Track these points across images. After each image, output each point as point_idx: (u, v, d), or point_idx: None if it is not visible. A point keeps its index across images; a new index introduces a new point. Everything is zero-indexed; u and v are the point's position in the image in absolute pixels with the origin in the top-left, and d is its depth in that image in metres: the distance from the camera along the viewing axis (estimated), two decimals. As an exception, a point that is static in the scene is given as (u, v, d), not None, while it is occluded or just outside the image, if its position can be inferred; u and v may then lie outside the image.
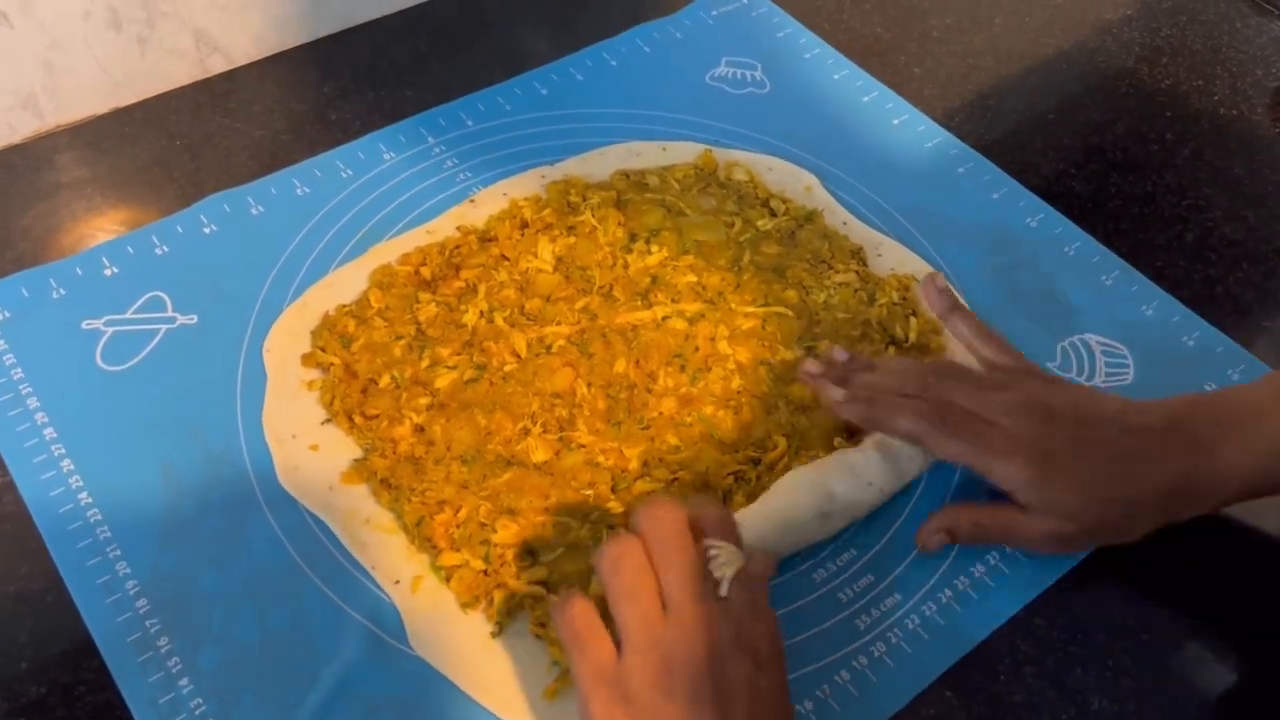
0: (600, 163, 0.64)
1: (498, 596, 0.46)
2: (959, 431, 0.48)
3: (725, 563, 0.41)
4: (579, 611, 0.41)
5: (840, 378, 0.51)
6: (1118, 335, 0.59)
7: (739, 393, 0.53)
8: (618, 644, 0.40)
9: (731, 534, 0.43)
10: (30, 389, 0.52)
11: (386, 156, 0.64)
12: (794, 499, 0.48)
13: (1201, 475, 0.47)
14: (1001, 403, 0.48)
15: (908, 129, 0.69)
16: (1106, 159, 0.69)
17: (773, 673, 0.40)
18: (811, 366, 0.52)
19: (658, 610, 0.40)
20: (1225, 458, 0.47)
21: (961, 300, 0.56)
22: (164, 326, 0.55)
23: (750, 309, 0.56)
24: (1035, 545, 0.49)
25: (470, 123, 0.66)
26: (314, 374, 0.53)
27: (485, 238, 0.58)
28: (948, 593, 0.49)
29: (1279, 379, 0.50)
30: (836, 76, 0.72)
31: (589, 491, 0.49)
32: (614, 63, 0.71)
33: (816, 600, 0.48)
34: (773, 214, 0.61)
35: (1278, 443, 0.48)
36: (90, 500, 0.49)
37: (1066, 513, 0.47)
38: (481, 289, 0.56)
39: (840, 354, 0.53)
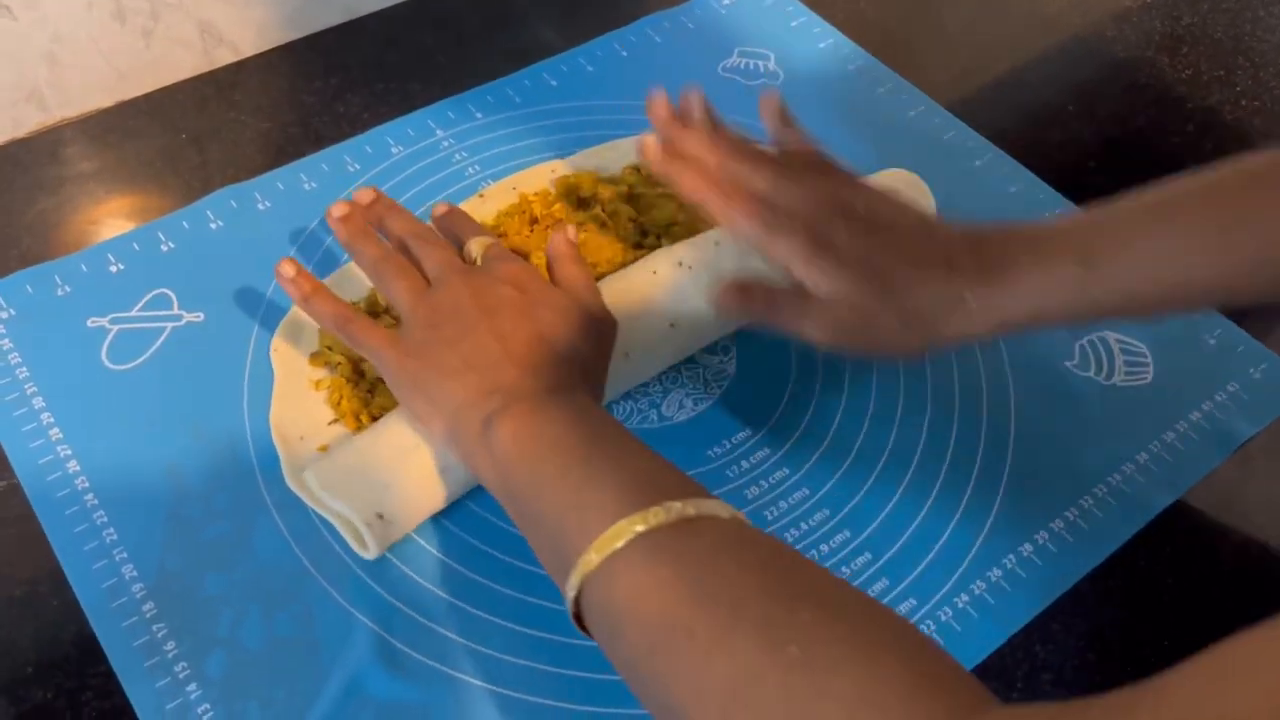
0: (611, 156, 0.63)
1: None
2: (751, 217, 0.47)
3: (475, 245, 0.50)
4: (358, 318, 0.48)
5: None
6: (1137, 333, 0.58)
7: None
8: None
9: (482, 231, 0.52)
10: (35, 388, 0.51)
11: (394, 150, 0.63)
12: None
13: (990, 296, 0.45)
14: (789, 189, 0.48)
15: (923, 120, 0.68)
16: (1126, 151, 0.68)
17: (535, 289, 0.48)
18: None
19: (422, 282, 0.48)
20: (1017, 284, 0.45)
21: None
22: (170, 324, 0.54)
23: None
24: (815, 329, 0.47)
25: (479, 115, 0.65)
26: (322, 373, 0.53)
27: (494, 233, 0.57)
28: (963, 598, 0.48)
29: (1101, 218, 0.47)
30: (851, 67, 0.71)
31: None
32: (624, 53, 0.70)
33: (831, 605, 0.47)
34: None
35: (1077, 286, 0.45)
36: (96, 502, 0.48)
37: (841, 293, 0.45)
38: None
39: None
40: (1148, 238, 0.46)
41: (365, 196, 0.52)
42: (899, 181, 0.60)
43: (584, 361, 0.47)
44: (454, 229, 0.52)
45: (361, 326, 0.48)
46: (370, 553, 0.46)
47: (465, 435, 0.43)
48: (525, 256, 0.56)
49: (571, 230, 0.52)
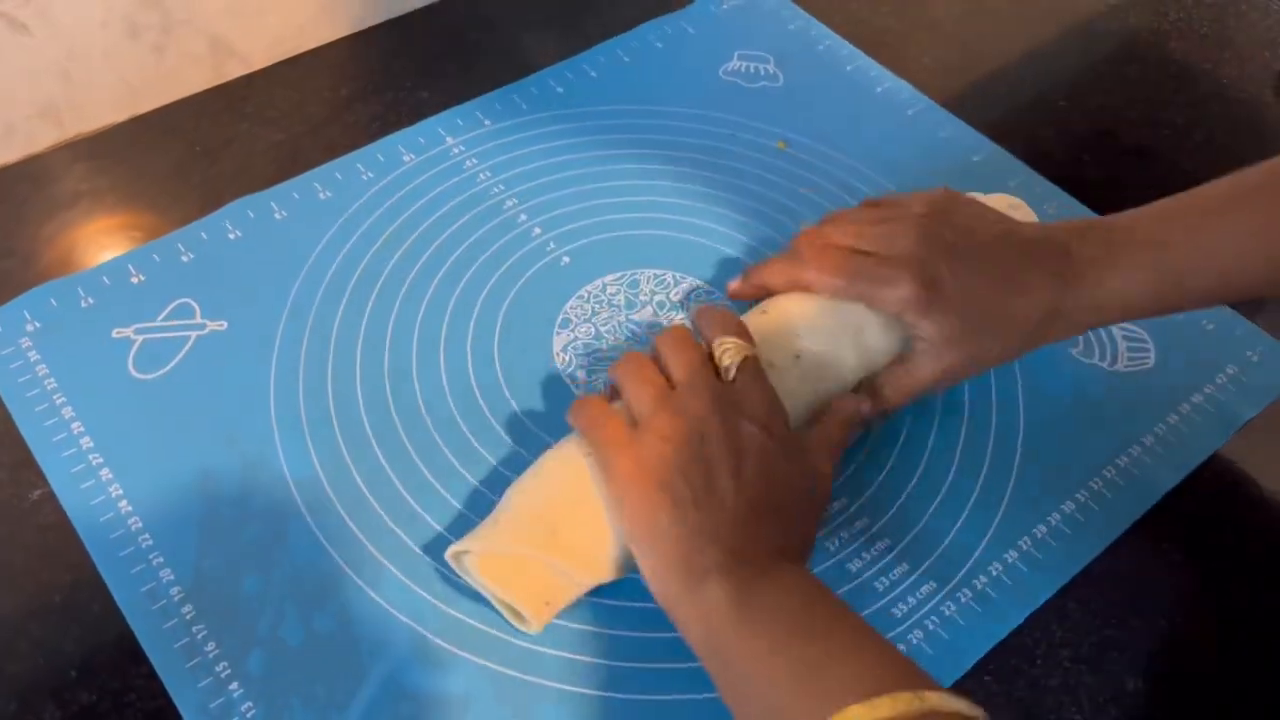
0: None
1: None
2: (839, 269, 0.50)
3: (729, 351, 0.46)
4: (591, 402, 0.46)
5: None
6: (1137, 321, 0.59)
7: None
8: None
9: (736, 328, 0.48)
10: (64, 398, 0.52)
11: (406, 158, 0.64)
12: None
13: (1083, 298, 0.49)
14: (878, 233, 0.50)
15: (922, 119, 0.69)
16: (1119, 144, 0.70)
17: (781, 436, 0.45)
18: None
19: (665, 388, 0.45)
20: (1105, 282, 0.49)
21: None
22: (194, 333, 0.55)
23: None
24: (936, 385, 0.50)
25: (488, 122, 0.67)
26: None
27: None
28: (981, 580, 0.49)
29: (1169, 209, 0.50)
30: (849, 68, 0.72)
31: None
32: (627, 59, 0.72)
33: (853, 590, 0.49)
34: None
35: (1158, 273, 0.49)
36: (130, 509, 0.49)
37: (951, 334, 0.48)
38: None
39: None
40: (1222, 238, 0.48)
41: None
42: (1002, 206, 0.58)
43: (804, 528, 0.45)
44: (706, 325, 0.49)
45: (596, 413, 0.45)
46: (533, 630, 0.45)
47: (674, 580, 0.42)
48: None
49: (867, 406, 0.49)
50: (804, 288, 0.51)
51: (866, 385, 0.51)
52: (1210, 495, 0.53)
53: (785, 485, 0.44)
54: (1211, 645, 0.49)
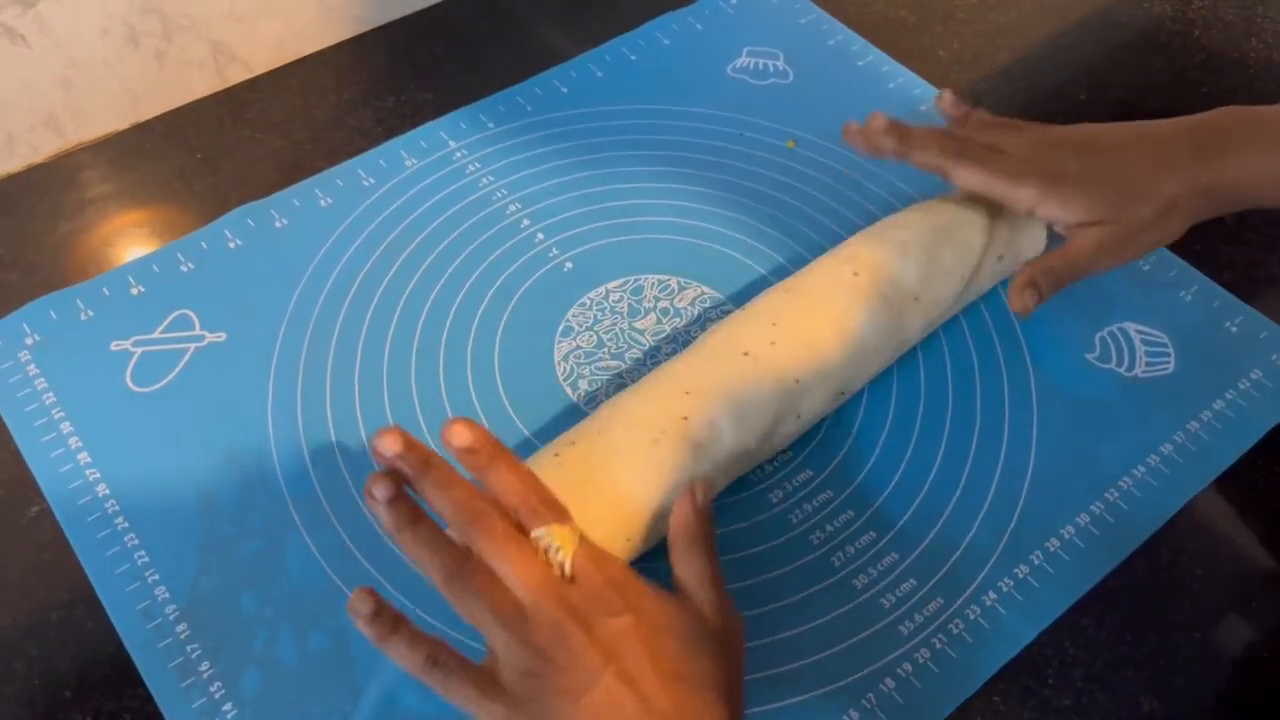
0: None
1: None
2: (974, 160, 0.52)
3: (558, 549, 0.40)
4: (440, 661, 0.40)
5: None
6: (1157, 323, 0.57)
7: None
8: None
9: (550, 508, 0.41)
10: (63, 413, 0.52)
11: (408, 163, 0.63)
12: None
13: (1228, 171, 0.51)
14: (1013, 138, 0.53)
15: (936, 115, 0.68)
16: (1140, 139, 0.68)
17: (653, 613, 0.40)
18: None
19: (513, 608, 0.39)
20: (1247, 162, 0.51)
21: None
22: (193, 345, 0.55)
23: None
24: (1093, 259, 0.51)
25: (491, 125, 0.66)
26: None
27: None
28: (991, 595, 0.48)
29: None
30: (861, 63, 0.71)
31: None
32: (634, 57, 0.70)
33: (858, 607, 0.47)
34: None
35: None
36: (126, 525, 0.49)
37: (1087, 209, 0.51)
38: None
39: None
40: (1270, 146, 0.51)
41: (391, 447, 0.41)
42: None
43: (723, 685, 0.40)
44: (507, 494, 0.42)
45: (455, 679, 0.39)
46: None
47: None
48: None
49: (701, 492, 0.44)
50: (939, 171, 0.53)
51: (1037, 267, 0.52)
52: (1231, 505, 0.52)
53: (681, 659, 0.39)
54: (1230, 663, 0.47)
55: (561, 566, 0.40)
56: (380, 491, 0.40)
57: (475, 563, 0.40)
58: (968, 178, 0.53)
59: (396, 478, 0.41)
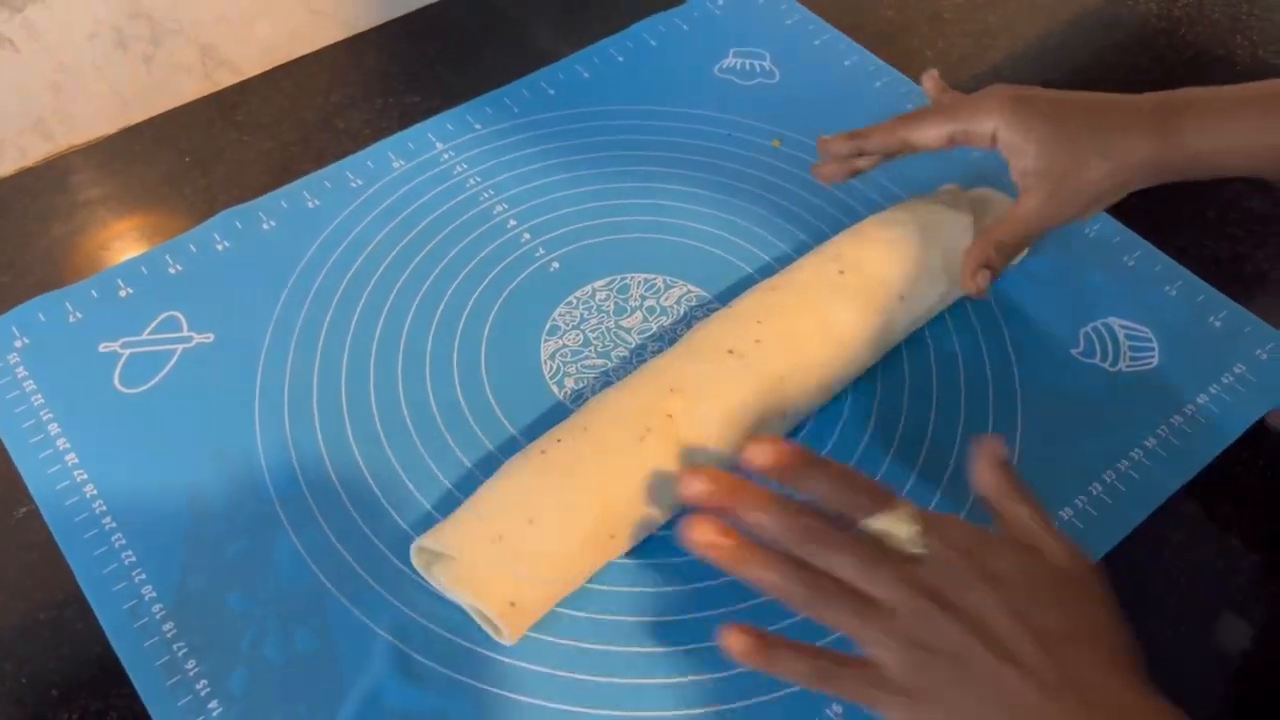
0: None
1: None
2: (932, 113, 0.53)
3: (895, 534, 0.39)
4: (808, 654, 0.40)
5: None
6: (1142, 318, 0.58)
7: None
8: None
9: (869, 493, 0.40)
10: (51, 414, 0.52)
11: (395, 164, 0.64)
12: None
13: (1186, 138, 0.50)
14: (962, 98, 0.54)
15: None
16: (1126, 136, 0.68)
17: (1012, 575, 0.38)
18: None
19: (876, 610, 0.38)
20: (1207, 129, 0.50)
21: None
22: (180, 346, 0.55)
23: None
24: (1039, 218, 0.52)
25: (479, 126, 0.66)
26: None
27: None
28: (976, 589, 0.48)
29: (1269, 87, 0.51)
30: (847, 63, 0.71)
31: None
32: (621, 59, 0.71)
33: (843, 601, 0.47)
34: None
35: (1244, 137, 0.50)
36: (114, 525, 0.49)
37: (1043, 141, 0.50)
38: None
39: None
40: (1228, 119, 0.50)
41: (697, 488, 0.41)
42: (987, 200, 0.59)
43: (1103, 632, 0.39)
44: (827, 498, 0.41)
45: (851, 684, 0.38)
46: (507, 640, 0.45)
47: None
48: None
49: (998, 446, 0.43)
50: (903, 143, 0.54)
51: (983, 242, 0.52)
52: (1215, 498, 0.52)
53: (1060, 617, 0.38)
54: (1214, 656, 0.47)
55: (903, 551, 0.39)
56: (704, 535, 0.40)
57: (823, 575, 0.39)
58: (930, 132, 0.53)
59: (712, 517, 0.40)
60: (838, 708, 0.45)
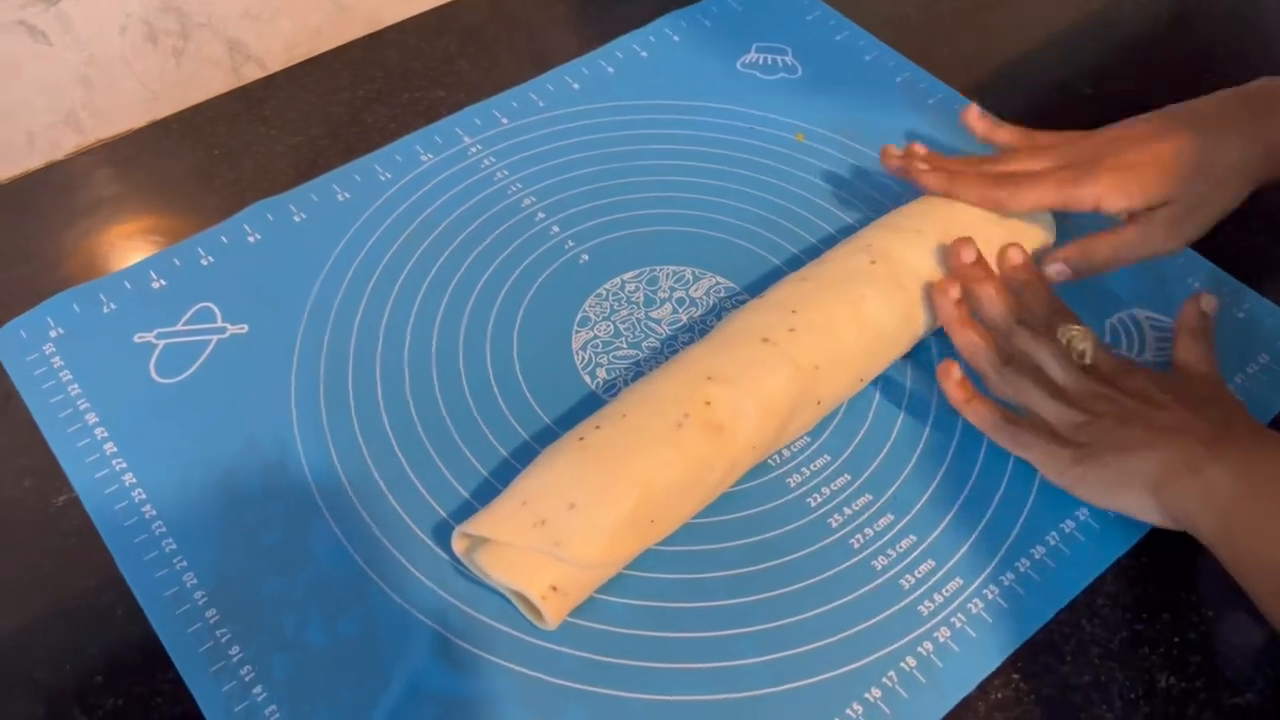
0: None
1: None
2: (1031, 182, 0.55)
3: (1079, 342, 0.50)
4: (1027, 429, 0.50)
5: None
6: (1166, 309, 0.58)
7: None
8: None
9: (1064, 312, 0.53)
10: (88, 404, 0.53)
11: (424, 158, 0.64)
12: None
13: (1273, 135, 0.52)
14: (1057, 151, 0.56)
15: (942, 108, 0.69)
16: (1145, 130, 0.69)
17: (1170, 378, 0.51)
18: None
19: (1055, 388, 0.50)
20: None
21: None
22: (215, 337, 0.55)
23: None
24: (1148, 241, 0.54)
25: (505, 120, 0.66)
26: None
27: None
28: (1009, 575, 0.49)
29: None
30: (868, 58, 0.72)
31: None
32: (644, 54, 0.71)
33: (879, 587, 0.48)
34: None
35: None
36: (154, 513, 0.49)
37: (1148, 194, 0.52)
38: None
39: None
40: None
41: (967, 256, 0.53)
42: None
43: (1241, 413, 0.49)
44: (1033, 303, 0.53)
45: (1028, 434, 0.49)
46: (548, 625, 0.45)
47: (1172, 489, 0.45)
48: None
49: (1211, 300, 0.54)
50: (992, 205, 0.55)
51: (1076, 247, 0.55)
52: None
53: (1186, 400, 0.48)
54: (1245, 640, 0.48)
55: (1083, 355, 0.50)
56: (950, 289, 0.52)
57: (1019, 354, 0.51)
58: (1028, 203, 0.55)
59: (958, 281, 0.53)
60: (876, 690, 0.45)
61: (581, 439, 0.47)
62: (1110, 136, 0.55)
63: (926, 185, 0.57)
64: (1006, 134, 0.60)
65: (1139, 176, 0.52)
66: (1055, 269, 0.54)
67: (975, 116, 0.60)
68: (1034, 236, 0.57)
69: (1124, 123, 0.56)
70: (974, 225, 0.55)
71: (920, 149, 0.60)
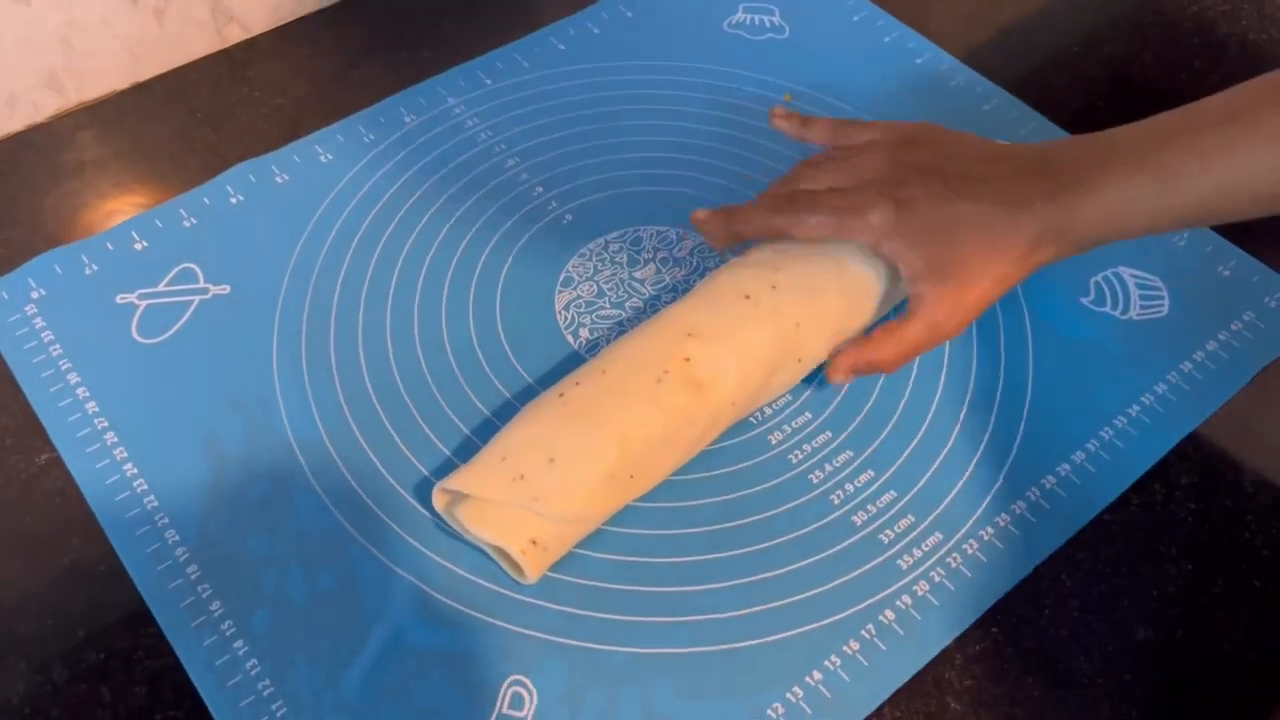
0: None
1: None
2: (811, 207, 0.49)
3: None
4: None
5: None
6: (1151, 268, 0.58)
7: None
8: None
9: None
10: (70, 364, 0.53)
11: (407, 119, 0.64)
12: None
13: (1081, 211, 0.46)
14: (848, 168, 0.50)
15: (931, 68, 0.68)
16: (1134, 90, 0.68)
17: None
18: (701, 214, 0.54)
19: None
20: (1104, 192, 0.46)
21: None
22: (197, 298, 0.55)
23: None
24: (925, 345, 0.49)
25: (490, 81, 0.66)
26: None
27: None
28: (988, 531, 0.49)
29: (1166, 120, 0.48)
30: (856, 18, 0.71)
31: None
32: (630, 14, 0.71)
33: (859, 542, 0.48)
34: None
35: (1157, 181, 0.46)
36: (135, 471, 0.49)
37: (935, 258, 0.47)
38: None
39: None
40: (1222, 149, 0.45)
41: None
42: None
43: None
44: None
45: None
46: (528, 579, 0.45)
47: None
48: None
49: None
50: (776, 233, 0.50)
51: (857, 344, 0.50)
52: (1224, 443, 0.52)
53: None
54: (1224, 593, 0.48)
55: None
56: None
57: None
58: (812, 231, 0.49)
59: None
60: (854, 643, 0.45)
61: (561, 395, 0.47)
62: (900, 160, 0.49)
63: (708, 240, 0.53)
64: (818, 132, 0.54)
65: (926, 244, 0.47)
66: (837, 381, 0.50)
67: (781, 116, 0.55)
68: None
69: (915, 132, 0.51)
70: None
71: (712, 226, 0.53)
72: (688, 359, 0.47)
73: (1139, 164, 0.46)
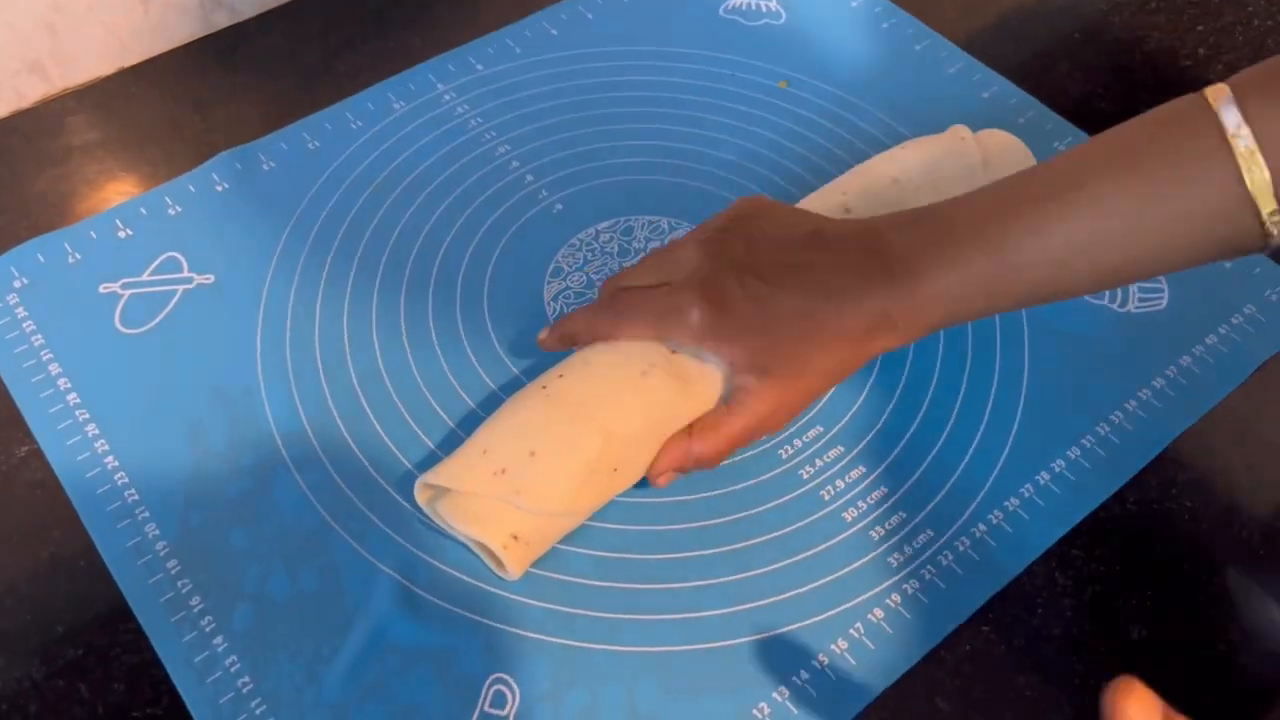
0: None
1: None
2: (629, 309, 0.46)
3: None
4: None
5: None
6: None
7: None
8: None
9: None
10: (51, 355, 0.52)
11: (396, 106, 0.63)
12: None
13: (913, 297, 0.44)
14: (668, 261, 0.47)
15: (929, 55, 0.67)
16: (1135, 78, 0.67)
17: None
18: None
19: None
20: (937, 277, 0.43)
21: None
22: (181, 287, 0.55)
23: None
24: (750, 437, 0.46)
25: (480, 67, 0.65)
26: None
27: None
28: (981, 527, 0.48)
29: (1003, 195, 0.44)
30: (854, 4, 0.70)
31: None
32: (624, 0, 0.70)
33: (849, 539, 0.47)
34: None
35: (993, 263, 0.43)
36: (117, 464, 0.49)
37: (755, 355, 0.44)
38: None
39: None
40: (1060, 220, 0.42)
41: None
42: (994, 145, 0.56)
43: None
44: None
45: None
46: (510, 575, 0.45)
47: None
48: None
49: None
50: (603, 338, 0.47)
51: (681, 439, 0.46)
52: (1222, 439, 0.51)
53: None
54: (1220, 593, 0.47)
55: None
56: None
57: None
58: (631, 331, 0.46)
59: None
60: (842, 642, 0.45)
61: (544, 387, 0.46)
62: (713, 254, 0.46)
63: (550, 346, 0.50)
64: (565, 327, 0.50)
65: (747, 338, 0.44)
66: (660, 485, 0.47)
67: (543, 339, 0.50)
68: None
69: (730, 221, 0.48)
70: (949, 165, 0.54)
71: (550, 343, 0.50)
72: (674, 352, 0.46)
73: (978, 245, 0.43)
